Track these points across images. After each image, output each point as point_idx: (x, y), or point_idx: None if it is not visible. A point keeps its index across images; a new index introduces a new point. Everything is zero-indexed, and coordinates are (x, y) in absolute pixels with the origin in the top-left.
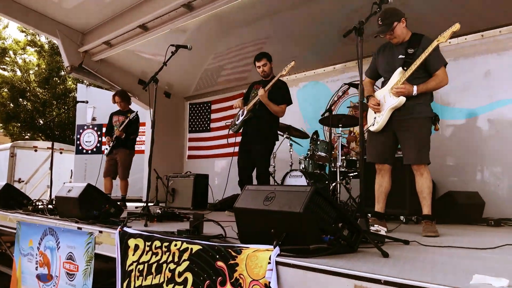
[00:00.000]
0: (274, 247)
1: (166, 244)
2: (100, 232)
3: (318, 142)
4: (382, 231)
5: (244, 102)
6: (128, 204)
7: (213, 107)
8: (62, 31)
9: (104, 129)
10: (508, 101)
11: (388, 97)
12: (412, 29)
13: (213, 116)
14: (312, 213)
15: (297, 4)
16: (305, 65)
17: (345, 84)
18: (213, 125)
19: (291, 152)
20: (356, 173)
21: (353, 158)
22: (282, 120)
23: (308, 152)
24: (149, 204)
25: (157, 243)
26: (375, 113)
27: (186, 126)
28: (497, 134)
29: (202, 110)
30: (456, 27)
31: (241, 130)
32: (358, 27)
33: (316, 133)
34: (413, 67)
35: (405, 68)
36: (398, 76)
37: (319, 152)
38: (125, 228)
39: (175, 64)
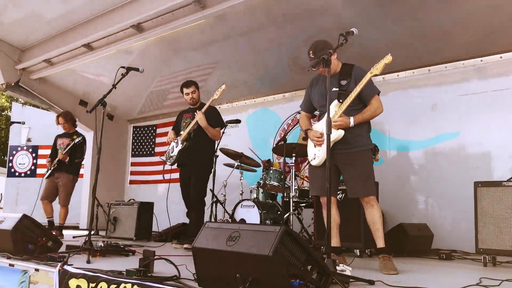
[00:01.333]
0: None
1: (113, 286)
2: (36, 270)
3: (271, 171)
4: (347, 270)
5: (175, 133)
6: (64, 232)
7: (159, 130)
8: None
9: (40, 151)
10: (453, 134)
11: None
12: (364, 63)
13: (158, 140)
14: (282, 256)
15: (247, 32)
16: (255, 91)
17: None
18: (158, 149)
19: (241, 181)
20: (308, 203)
21: (306, 188)
22: (234, 147)
23: (260, 181)
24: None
25: (103, 284)
26: (315, 146)
27: (128, 150)
28: (442, 167)
29: (147, 133)
30: (388, 59)
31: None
32: (326, 58)
33: (268, 161)
34: (349, 100)
35: (340, 101)
36: (334, 108)
37: (272, 182)
38: (65, 266)
39: (119, 85)
